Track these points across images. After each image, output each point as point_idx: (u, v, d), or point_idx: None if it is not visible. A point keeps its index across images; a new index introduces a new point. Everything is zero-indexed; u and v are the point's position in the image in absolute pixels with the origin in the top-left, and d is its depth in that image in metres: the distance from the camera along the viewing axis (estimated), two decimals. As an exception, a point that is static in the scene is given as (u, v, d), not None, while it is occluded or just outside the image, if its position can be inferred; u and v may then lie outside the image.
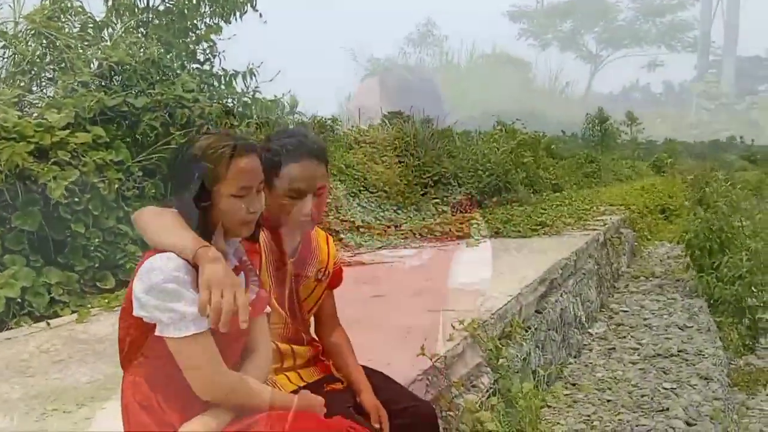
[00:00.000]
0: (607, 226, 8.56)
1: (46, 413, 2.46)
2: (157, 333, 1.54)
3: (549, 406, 4.30)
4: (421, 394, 2.60)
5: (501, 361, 3.46)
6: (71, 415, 2.43)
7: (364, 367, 2.19)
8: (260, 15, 6.78)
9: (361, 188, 9.27)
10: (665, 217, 14.24)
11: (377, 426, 1.91)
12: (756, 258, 6.76)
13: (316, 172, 1.95)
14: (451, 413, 2.78)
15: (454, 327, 3.22)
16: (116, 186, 5.02)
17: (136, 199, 5.29)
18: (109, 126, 5.28)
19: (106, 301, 4.36)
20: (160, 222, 1.68)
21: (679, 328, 6.06)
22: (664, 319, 6.44)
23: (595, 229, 8.00)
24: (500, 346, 3.47)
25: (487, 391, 3.23)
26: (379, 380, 2.17)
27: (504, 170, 12.34)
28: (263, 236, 1.99)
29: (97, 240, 4.88)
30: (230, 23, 6.45)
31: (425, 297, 4.30)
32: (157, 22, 6.35)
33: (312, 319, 2.18)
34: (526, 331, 4.29)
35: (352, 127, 13.02)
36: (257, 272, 1.85)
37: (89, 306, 4.43)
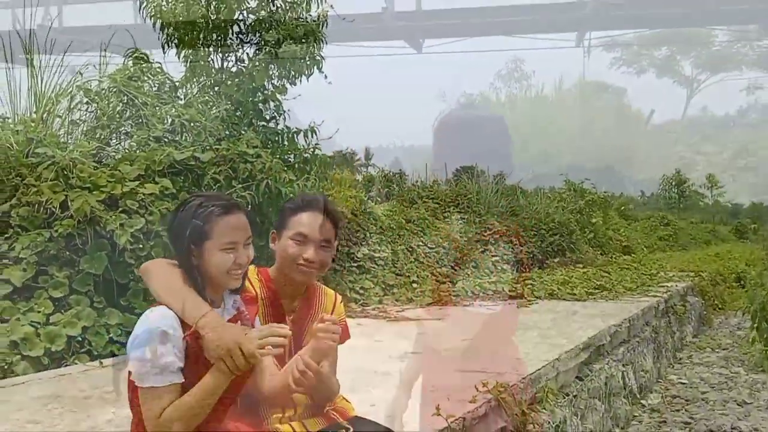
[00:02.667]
0: (670, 293, 8.30)
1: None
2: (131, 378, 1.72)
3: (586, 478, 4.20)
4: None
5: (528, 426, 3.44)
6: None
7: (369, 421, 2.28)
8: (325, 77, 7.14)
9: (420, 243, 9.39)
10: (741, 286, 13.58)
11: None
12: (827, 335, 6.40)
13: (323, 225, 2.15)
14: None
15: (477, 389, 3.25)
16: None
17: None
18: (176, 178, 5.65)
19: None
20: (166, 280, 1.88)
21: (738, 404, 5.78)
22: (723, 393, 6.16)
23: (656, 296, 7.78)
24: (527, 411, 3.45)
25: (510, 456, 3.22)
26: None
27: (569, 230, 12.21)
28: (262, 293, 2.17)
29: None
30: (295, 85, 6.84)
31: (462, 357, 4.33)
32: (229, 82, 6.79)
33: None
34: (564, 398, 4.23)
35: (417, 182, 13.27)
36: (251, 323, 2.02)
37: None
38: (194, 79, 6.74)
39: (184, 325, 1.77)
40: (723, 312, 11.21)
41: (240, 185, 5.87)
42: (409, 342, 4.64)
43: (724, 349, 8.27)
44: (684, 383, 6.65)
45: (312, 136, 6.72)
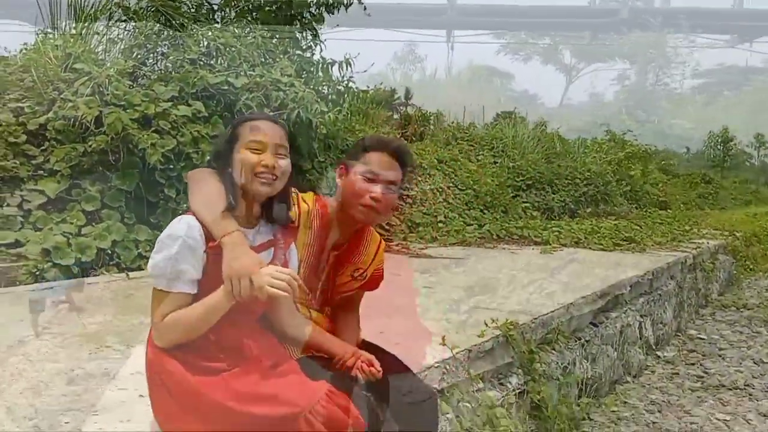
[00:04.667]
0: (700, 249, 8.18)
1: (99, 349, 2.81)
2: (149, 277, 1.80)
3: (590, 419, 4.28)
4: (436, 381, 2.73)
5: (535, 365, 3.51)
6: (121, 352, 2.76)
7: (377, 346, 2.33)
8: (365, 8, 7.03)
9: (450, 184, 9.37)
10: (778, 249, 13.28)
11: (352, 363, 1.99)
12: None
13: (393, 167, 2.12)
14: (467, 404, 2.89)
15: (486, 324, 3.30)
16: (208, 158, 5.42)
17: (225, 172, 5.69)
18: (209, 102, 5.71)
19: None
20: (204, 190, 1.89)
21: (754, 362, 5.76)
22: (741, 351, 6.13)
23: (684, 252, 7.68)
24: (535, 350, 3.51)
25: (513, 391, 3.29)
26: (387, 359, 2.30)
27: (604, 181, 12.02)
28: (312, 221, 2.17)
29: (185, 205, 5.29)
30: (333, 14, 6.74)
31: (475, 294, 4.39)
32: (267, 8, 6.74)
33: None
34: (575, 342, 4.28)
35: (453, 122, 13.11)
36: (286, 251, 2.04)
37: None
38: (232, 3, 6.68)
39: (209, 238, 1.80)
40: (754, 273, 11.02)
41: (272, 113, 5.89)
42: (427, 278, 4.71)
43: (749, 309, 8.17)
44: (703, 338, 6.63)
45: (347, 69, 6.67)
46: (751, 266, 11.01)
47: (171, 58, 5.71)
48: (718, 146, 23.14)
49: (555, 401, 3.60)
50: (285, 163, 1.90)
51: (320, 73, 6.82)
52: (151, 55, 5.93)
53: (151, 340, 1.87)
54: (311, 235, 2.16)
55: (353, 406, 1.83)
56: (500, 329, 3.33)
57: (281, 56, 6.46)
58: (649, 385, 5.18)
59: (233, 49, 5.99)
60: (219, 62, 5.99)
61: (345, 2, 6.86)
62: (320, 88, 6.57)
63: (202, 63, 5.85)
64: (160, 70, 5.83)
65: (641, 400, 4.80)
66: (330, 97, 6.61)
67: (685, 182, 19.62)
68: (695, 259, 7.83)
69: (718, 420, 4.41)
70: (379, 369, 2.01)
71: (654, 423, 4.32)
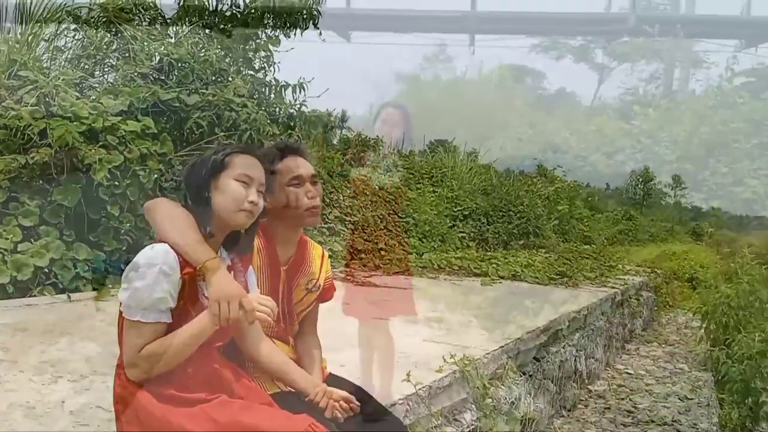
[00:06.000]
0: (627, 286, 8.55)
1: (56, 377, 2.67)
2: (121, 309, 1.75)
3: (532, 454, 4.38)
4: (401, 417, 2.74)
5: (487, 401, 3.57)
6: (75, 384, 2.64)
7: (345, 380, 2.34)
8: (320, 33, 7.06)
9: (391, 212, 9.45)
10: (692, 287, 14.05)
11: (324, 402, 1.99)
12: (770, 341, 6.69)
13: (309, 163, 2.21)
14: (426, 441, 2.91)
15: (445, 360, 3.35)
16: (156, 176, 5.29)
17: (172, 191, 5.55)
18: (159, 118, 5.57)
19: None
20: (173, 218, 1.87)
21: (680, 399, 6.05)
22: (666, 387, 6.43)
23: (613, 288, 8.01)
24: (488, 385, 3.57)
25: (468, 427, 3.34)
26: (356, 392, 2.31)
27: (536, 215, 12.41)
28: (259, 243, 2.19)
29: (128, 224, 5.14)
30: (290, 38, 6.74)
31: (428, 327, 4.43)
32: (222, 26, 6.67)
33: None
34: (521, 376, 4.38)
35: (395, 149, 13.24)
36: (245, 275, 2.05)
37: (110, 286, 4.68)
38: (186, 19, 6.58)
39: (184, 266, 1.79)
40: (672, 310, 11.60)
41: (223, 133, 5.82)
42: (378, 307, 4.72)
43: (670, 345, 8.60)
44: (630, 373, 6.92)
45: (300, 92, 6.67)
46: (670, 303, 11.60)
47: (121, 71, 5.56)
48: (639, 185, 24.34)
49: (504, 437, 3.67)
50: (262, 201, 1.93)
51: (272, 95, 6.78)
52: (100, 66, 5.76)
53: (121, 374, 1.81)
54: (261, 258, 2.18)
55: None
56: (457, 364, 3.38)
57: (234, 76, 6.39)
58: (583, 419, 5.35)
59: (186, 65, 5.89)
60: (171, 78, 5.87)
61: (301, 25, 6.85)
62: (272, 110, 6.54)
63: (153, 78, 5.72)
64: (109, 82, 5.66)
65: (577, 434, 4.96)
66: (281, 120, 6.58)
67: (607, 218, 20.49)
68: (623, 295, 8.18)
69: (649, 456, 4.60)
70: (357, 404, 2.02)
71: (592, 458, 4.47)
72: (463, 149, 17.08)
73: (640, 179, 24.57)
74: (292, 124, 6.76)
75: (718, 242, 27.19)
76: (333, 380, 2.30)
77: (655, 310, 10.64)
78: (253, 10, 6.72)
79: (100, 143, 4.96)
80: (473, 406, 3.53)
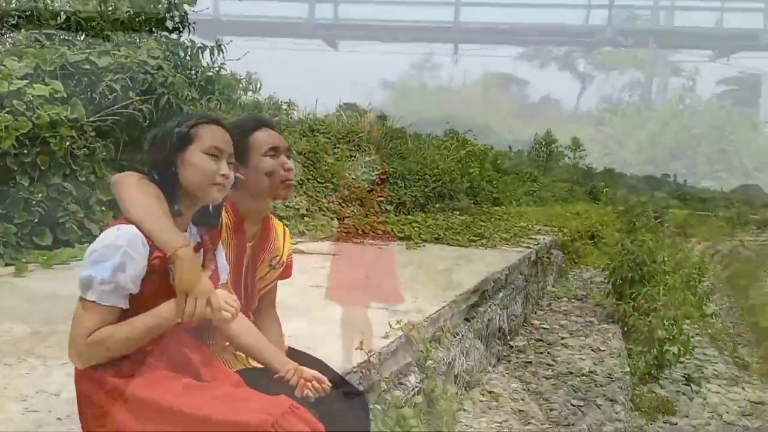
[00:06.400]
0: (540, 245, 8.93)
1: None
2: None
3: (465, 410, 4.54)
4: (355, 384, 2.76)
5: (428, 362, 3.65)
6: (11, 368, 2.48)
7: (304, 353, 2.34)
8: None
9: (310, 177, 9.36)
10: (594, 243, 14.85)
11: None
12: (672, 294, 7.22)
13: (281, 136, 2.16)
14: (378, 406, 2.95)
15: (391, 325, 3.39)
16: (67, 143, 4.98)
17: (85, 159, 5.25)
18: (67, 81, 5.22)
19: (45, 258, 4.33)
20: (142, 197, 1.76)
21: (593, 350, 6.43)
22: (580, 339, 6.82)
23: (528, 247, 8.34)
24: (430, 348, 3.66)
25: (413, 389, 3.42)
26: (316, 366, 2.31)
27: (450, 178, 12.66)
28: (226, 219, 2.12)
29: (40, 195, 4.82)
30: (203, -5, 6.45)
31: (362, 292, 4.46)
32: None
33: None
34: (454, 337, 4.50)
35: (309, 114, 13.07)
36: (215, 251, 1.99)
37: (23, 261, 4.41)
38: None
39: (153, 249, 1.70)
40: (577, 266, 12.24)
41: (138, 97, 5.53)
42: (309, 276, 4.69)
43: (579, 300, 9.08)
44: (546, 328, 7.27)
45: (218, 55, 6.41)
46: (575, 260, 12.22)
47: (24, 31, 5.14)
48: (543, 147, 25.27)
49: (446, 397, 3.78)
50: (232, 174, 1.86)
51: (188, 57, 6.49)
52: (2, 26, 5.30)
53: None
54: (228, 233, 2.13)
55: (315, 420, 1.82)
56: (402, 330, 3.43)
57: (147, 36, 6.05)
58: (508, 374, 5.59)
59: (95, 24, 5.52)
60: (78, 38, 5.48)
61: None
62: (189, 74, 6.26)
63: (60, 38, 5.32)
64: (12, 43, 5.22)
65: (505, 389, 5.18)
66: (199, 83, 6.31)
67: (514, 180, 21.19)
68: (537, 255, 8.54)
69: (574, 406, 4.88)
70: (329, 384, 2.02)
71: (521, 411, 4.69)
72: (370, 112, 17.12)
73: (543, 142, 25.54)
74: (210, 87, 6.50)
75: (612, 201, 28.82)
76: (293, 354, 2.29)
77: (563, 266, 11.18)
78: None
79: (6, 109, 4.60)
80: (416, 368, 3.61)
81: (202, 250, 1.88)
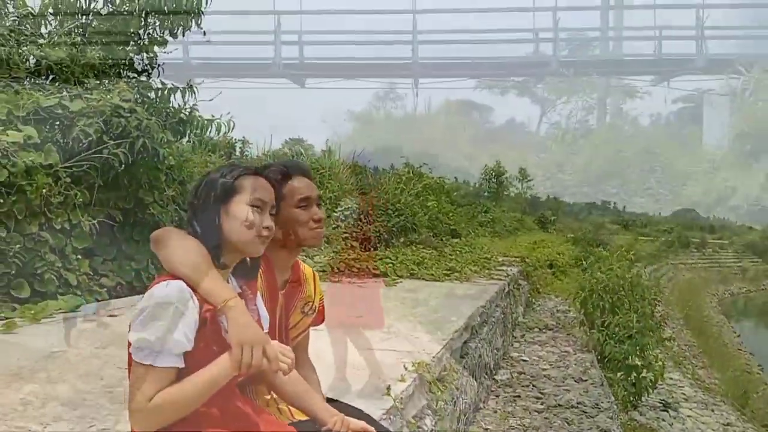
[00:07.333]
0: (510, 276, 9.02)
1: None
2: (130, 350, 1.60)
3: (467, 450, 4.50)
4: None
5: (440, 403, 3.61)
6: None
7: (341, 403, 2.28)
8: (204, 33, 6.73)
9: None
10: (552, 273, 15.11)
11: None
12: (644, 320, 7.39)
13: (314, 184, 2.14)
14: (403, 453, 2.89)
15: (406, 368, 3.34)
16: (44, 190, 4.79)
17: (59, 206, 5.06)
18: (40, 127, 5.04)
19: (32, 312, 4.11)
20: (186, 250, 1.72)
21: (575, 380, 6.48)
22: (561, 370, 6.86)
23: (500, 279, 8.42)
24: (442, 389, 3.62)
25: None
26: (354, 414, 2.25)
27: (412, 212, 12.71)
28: (261, 270, 2.07)
29: (17, 245, 4.60)
30: (176, 38, 6.35)
31: (360, 334, 4.39)
32: (100, 26, 6.14)
33: None
34: (454, 375, 4.47)
35: (268, 151, 12.97)
36: (255, 302, 1.94)
37: (12, 316, 4.18)
38: (56, 18, 5.98)
39: (202, 302, 1.65)
40: (540, 295, 12.40)
41: (112, 141, 5.39)
42: (346, 315, 4.59)
43: (550, 329, 9.17)
44: (526, 360, 7.30)
45: (190, 96, 6.31)
46: (539, 289, 12.39)
47: (-7, 75, 4.96)
48: (493, 179, 25.74)
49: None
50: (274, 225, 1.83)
51: (157, 100, 6.37)
52: (-34, 70, 5.09)
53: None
54: (261, 282, 2.09)
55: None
56: (417, 371, 3.38)
57: (117, 79, 5.92)
58: (499, 410, 5.57)
59: (66, 68, 5.36)
60: (50, 83, 5.32)
61: (184, 25, 6.48)
62: (161, 116, 6.14)
63: (30, 83, 5.15)
64: (-19, 88, 5.02)
65: (500, 426, 5.15)
66: (170, 125, 6.19)
67: (468, 212, 21.45)
68: (509, 286, 8.63)
69: (571, 438, 4.89)
70: None
71: (521, 447, 4.67)
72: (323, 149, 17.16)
73: (493, 173, 26.03)
74: (181, 129, 6.39)
75: (560, 229, 29.54)
76: (333, 404, 2.23)
77: (528, 297, 11.31)
78: (132, 10, 6.24)
79: (-20, 157, 4.40)
80: (429, 410, 3.55)
81: (243, 301, 1.83)
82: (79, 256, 5.13)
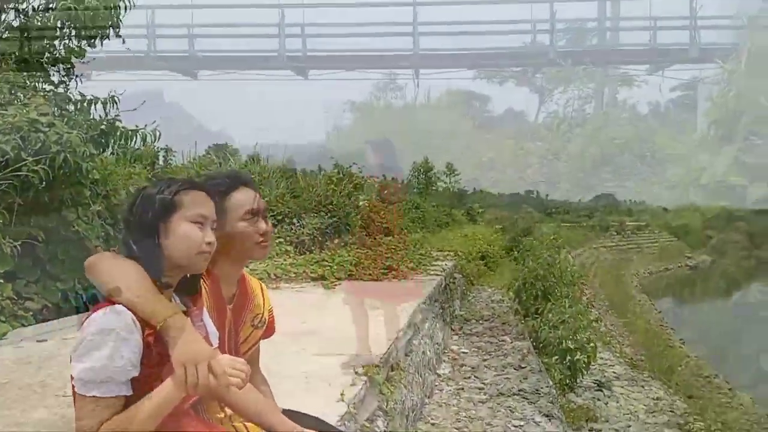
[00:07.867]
0: (446, 271, 9.17)
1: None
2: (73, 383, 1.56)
3: (416, 446, 4.56)
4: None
5: (390, 404, 3.65)
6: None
7: (298, 413, 2.28)
8: (123, 41, 6.52)
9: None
10: (485, 264, 15.44)
11: None
12: (575, 304, 7.66)
13: (259, 196, 2.13)
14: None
15: (356, 372, 3.35)
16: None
17: (-22, 229, 4.81)
18: (-47, 147, 4.77)
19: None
20: (122, 273, 1.67)
21: (514, 369, 6.66)
22: (500, 359, 7.04)
23: (437, 275, 8.55)
24: (392, 390, 3.65)
25: (383, 433, 3.39)
26: (313, 424, 2.26)
27: (345, 213, 12.73)
28: (203, 284, 2.04)
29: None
30: (95, 47, 6.12)
31: (308, 341, 4.37)
32: (7, 36, 5.86)
33: None
34: (402, 373, 4.52)
35: (194, 159, 12.68)
36: (201, 318, 1.91)
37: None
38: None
39: (144, 326, 1.61)
40: (475, 287, 12.67)
41: (32, 158, 5.16)
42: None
43: (486, 320, 9.38)
44: (465, 352, 7.44)
45: (112, 107, 6.10)
46: (472, 281, 12.64)
47: None
48: (422, 174, 26.02)
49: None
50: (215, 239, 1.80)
51: (76, 112, 6.13)
52: None
53: None
54: (207, 298, 2.07)
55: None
56: (367, 375, 3.40)
57: (33, 92, 5.66)
58: (445, 403, 5.66)
59: (-23, 84, 5.09)
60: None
61: (101, 34, 6.26)
62: (81, 129, 5.90)
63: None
64: None
65: (446, 419, 5.24)
66: (91, 137, 5.96)
67: (398, 209, 21.62)
68: (446, 281, 8.77)
69: (515, 426, 5.03)
70: None
71: (469, 438, 4.76)
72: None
73: (422, 169, 26.31)
74: (103, 141, 6.18)
75: (489, 221, 30.17)
76: (289, 415, 2.23)
77: (464, 289, 11.53)
78: (46, 21, 5.98)
79: None
80: (380, 412, 3.58)
81: (189, 318, 1.80)
82: (1, 280, 4.89)
